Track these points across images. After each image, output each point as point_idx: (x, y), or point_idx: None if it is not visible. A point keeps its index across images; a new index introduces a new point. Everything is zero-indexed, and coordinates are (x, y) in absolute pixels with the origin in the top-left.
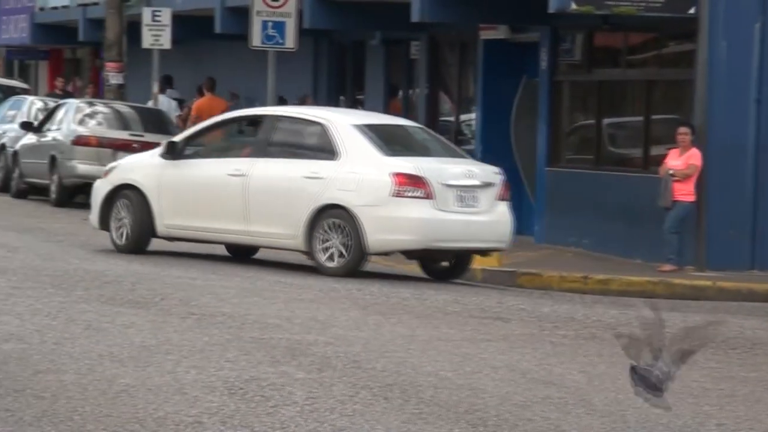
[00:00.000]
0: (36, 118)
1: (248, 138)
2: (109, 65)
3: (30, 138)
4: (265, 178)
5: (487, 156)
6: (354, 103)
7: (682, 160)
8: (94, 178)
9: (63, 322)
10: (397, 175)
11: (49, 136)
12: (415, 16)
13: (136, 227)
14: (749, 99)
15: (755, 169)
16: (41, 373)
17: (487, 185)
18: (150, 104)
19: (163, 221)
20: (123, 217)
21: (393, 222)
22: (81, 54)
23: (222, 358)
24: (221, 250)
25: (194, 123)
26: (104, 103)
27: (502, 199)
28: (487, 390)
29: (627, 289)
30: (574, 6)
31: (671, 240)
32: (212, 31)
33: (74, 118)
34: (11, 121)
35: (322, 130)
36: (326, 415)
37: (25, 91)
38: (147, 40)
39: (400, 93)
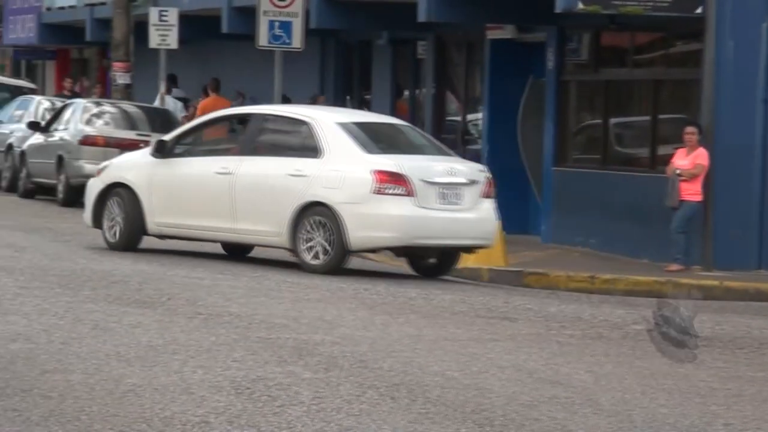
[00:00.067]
0: (43, 118)
1: (236, 136)
2: (117, 65)
3: (37, 138)
4: (251, 176)
5: (493, 156)
6: (361, 103)
7: (689, 159)
8: None
9: (70, 321)
10: (378, 172)
11: (57, 135)
12: (421, 16)
13: (128, 225)
14: (756, 99)
15: (762, 168)
16: (48, 372)
17: (471, 183)
18: (156, 104)
19: (154, 219)
20: (115, 215)
21: (374, 219)
22: (88, 54)
23: (229, 357)
24: (215, 248)
25: None
26: (111, 103)
27: (487, 197)
28: (493, 390)
29: (634, 289)
30: (580, 6)
31: (678, 240)
32: (219, 31)
33: (81, 117)
34: (18, 121)
35: (306, 128)
36: (333, 415)
37: (32, 91)
38: (154, 40)
39: (406, 93)
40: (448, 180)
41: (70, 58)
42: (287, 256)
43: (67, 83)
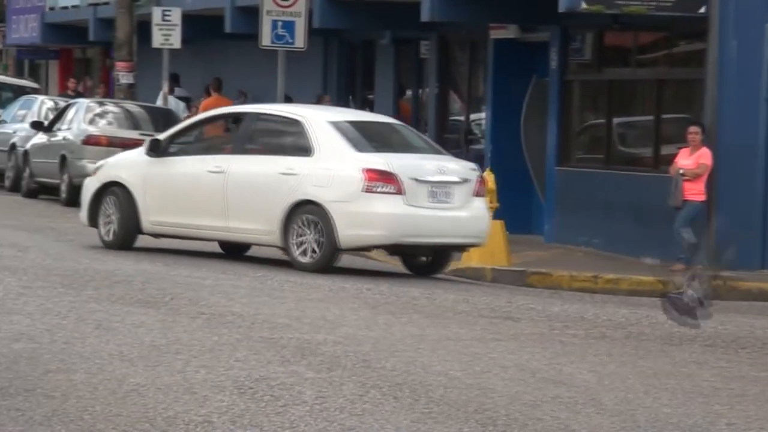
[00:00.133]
0: (46, 118)
1: (229, 135)
2: (120, 65)
3: (40, 137)
4: (243, 175)
5: (497, 155)
6: (363, 103)
7: (692, 159)
8: None
9: (73, 321)
10: (368, 170)
11: (60, 135)
12: (425, 16)
13: (123, 224)
14: (760, 98)
15: (766, 168)
16: (51, 372)
17: (462, 181)
18: (159, 103)
19: (149, 218)
20: (110, 213)
21: (363, 217)
22: (91, 54)
23: (231, 357)
24: (215, 247)
25: None
26: (114, 103)
27: (478, 195)
28: (496, 389)
29: (637, 289)
30: (584, 5)
31: (681, 240)
32: (222, 31)
33: (84, 117)
34: (22, 121)
35: (298, 126)
36: (336, 415)
37: (36, 91)
38: (157, 40)
39: (408, 93)
40: (439, 178)
41: (73, 57)
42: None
43: (71, 83)
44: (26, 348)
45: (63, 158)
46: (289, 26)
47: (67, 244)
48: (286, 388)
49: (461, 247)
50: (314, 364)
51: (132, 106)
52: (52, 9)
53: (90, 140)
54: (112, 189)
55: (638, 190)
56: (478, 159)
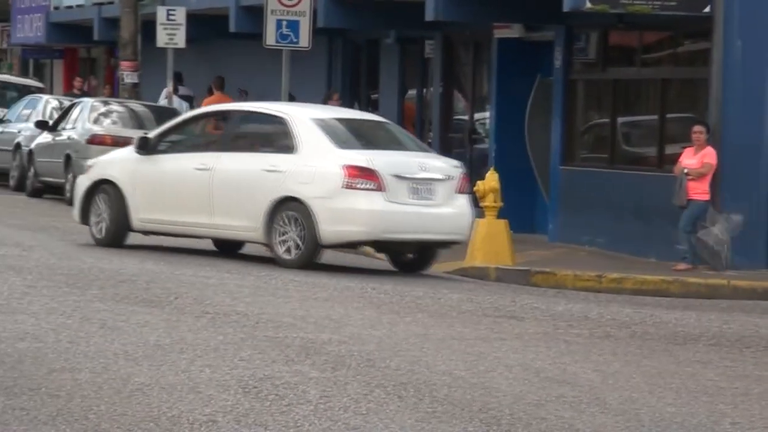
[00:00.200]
0: (51, 117)
1: (216, 133)
2: (124, 64)
3: (45, 137)
4: (228, 172)
5: (501, 154)
6: (368, 102)
7: (696, 158)
8: None
9: (78, 320)
10: (348, 167)
11: (64, 135)
12: (429, 15)
13: (113, 221)
14: (764, 98)
15: None
16: (56, 371)
17: (445, 179)
18: (161, 102)
19: (138, 215)
20: (102, 211)
21: (344, 214)
22: (96, 53)
23: (236, 356)
24: (205, 244)
25: None
26: (119, 102)
27: (462, 192)
28: (500, 389)
29: (641, 288)
30: (588, 4)
31: (686, 239)
32: (227, 30)
33: (89, 117)
34: (26, 120)
35: (283, 124)
36: (340, 414)
37: (40, 90)
38: (162, 39)
39: (410, 92)
40: (421, 175)
41: (78, 57)
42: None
43: (77, 82)
44: (31, 347)
45: (68, 157)
46: (293, 26)
47: (72, 243)
48: (290, 387)
49: (444, 244)
50: (319, 363)
51: (136, 106)
52: (56, 8)
53: (95, 139)
54: (103, 187)
55: (642, 189)
56: (482, 158)
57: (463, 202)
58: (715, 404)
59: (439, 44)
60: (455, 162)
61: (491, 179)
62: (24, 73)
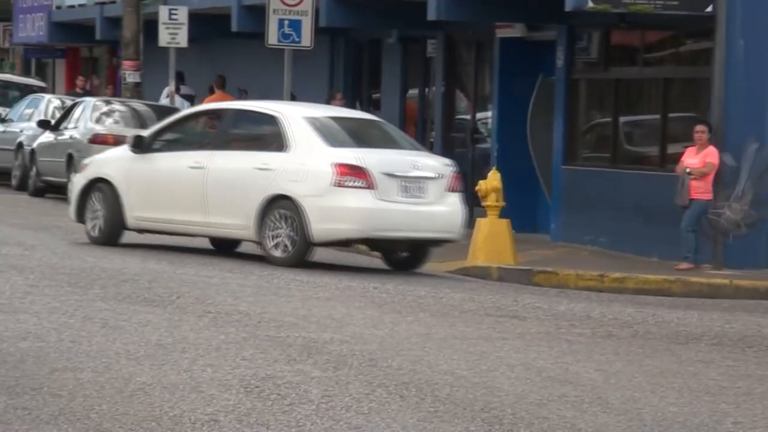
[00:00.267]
0: (53, 117)
1: (210, 131)
2: (126, 63)
3: (47, 136)
4: (221, 170)
5: (503, 154)
6: (370, 102)
7: (699, 158)
8: None
9: (80, 320)
10: (339, 165)
11: (66, 134)
12: (431, 15)
13: (108, 220)
14: (766, 97)
15: None
16: (58, 371)
17: (436, 177)
18: (162, 101)
19: (133, 213)
20: (97, 210)
21: (334, 211)
22: (98, 52)
23: (238, 356)
24: (205, 243)
25: None
26: (121, 102)
27: (453, 191)
28: (503, 388)
29: (643, 288)
30: (590, 4)
31: (688, 238)
32: (229, 30)
33: (91, 116)
34: (28, 120)
35: (275, 122)
36: (342, 413)
37: (42, 90)
38: (164, 39)
39: (410, 92)
40: (412, 173)
41: (80, 56)
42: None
43: (80, 81)
44: (33, 347)
45: (70, 157)
46: (295, 25)
47: (74, 242)
48: (292, 386)
49: (436, 242)
50: (321, 362)
51: (138, 105)
52: (58, 8)
53: (97, 139)
54: (99, 185)
55: (645, 188)
56: (484, 158)
57: (454, 200)
58: (718, 404)
59: (441, 44)
60: (447, 161)
61: (493, 179)
62: (26, 73)
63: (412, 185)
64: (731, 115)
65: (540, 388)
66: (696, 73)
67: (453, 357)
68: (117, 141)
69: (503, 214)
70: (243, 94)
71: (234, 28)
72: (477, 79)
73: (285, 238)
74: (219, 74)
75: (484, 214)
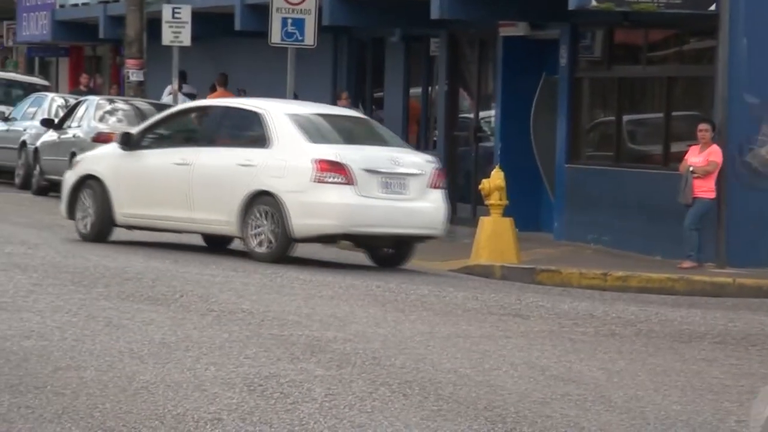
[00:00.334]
0: (56, 115)
1: (196, 128)
2: (130, 62)
3: (50, 135)
4: (206, 167)
5: (506, 153)
6: (373, 100)
7: (702, 156)
8: None
9: (83, 318)
10: (319, 161)
11: (70, 133)
12: (434, 13)
13: (98, 217)
14: None
15: None
16: (61, 369)
17: (418, 173)
18: (165, 99)
19: (121, 210)
20: (87, 206)
21: (315, 207)
22: (101, 51)
23: (241, 354)
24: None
25: None
26: (124, 100)
27: (435, 187)
28: (506, 387)
29: (647, 286)
30: (594, 2)
31: (691, 237)
32: (232, 28)
33: (95, 115)
34: (32, 118)
35: (258, 119)
36: (345, 412)
37: (46, 88)
38: (167, 37)
39: (413, 91)
40: (392, 170)
41: (84, 55)
42: (313, 254)
43: (83, 78)
44: (36, 345)
45: (73, 155)
46: (298, 23)
47: (77, 241)
48: (295, 385)
49: (418, 239)
50: (324, 361)
51: (142, 104)
52: (62, 6)
53: (100, 137)
54: (89, 182)
55: (648, 187)
56: (487, 156)
57: (437, 196)
58: (721, 402)
59: (445, 42)
60: (430, 157)
61: (496, 177)
62: (29, 71)
63: (393, 181)
64: (734, 114)
65: (543, 386)
66: (699, 72)
67: (456, 355)
68: None
69: (506, 212)
70: (242, 94)
71: (237, 26)
72: (480, 78)
73: (267, 234)
74: (221, 72)
75: (487, 213)
